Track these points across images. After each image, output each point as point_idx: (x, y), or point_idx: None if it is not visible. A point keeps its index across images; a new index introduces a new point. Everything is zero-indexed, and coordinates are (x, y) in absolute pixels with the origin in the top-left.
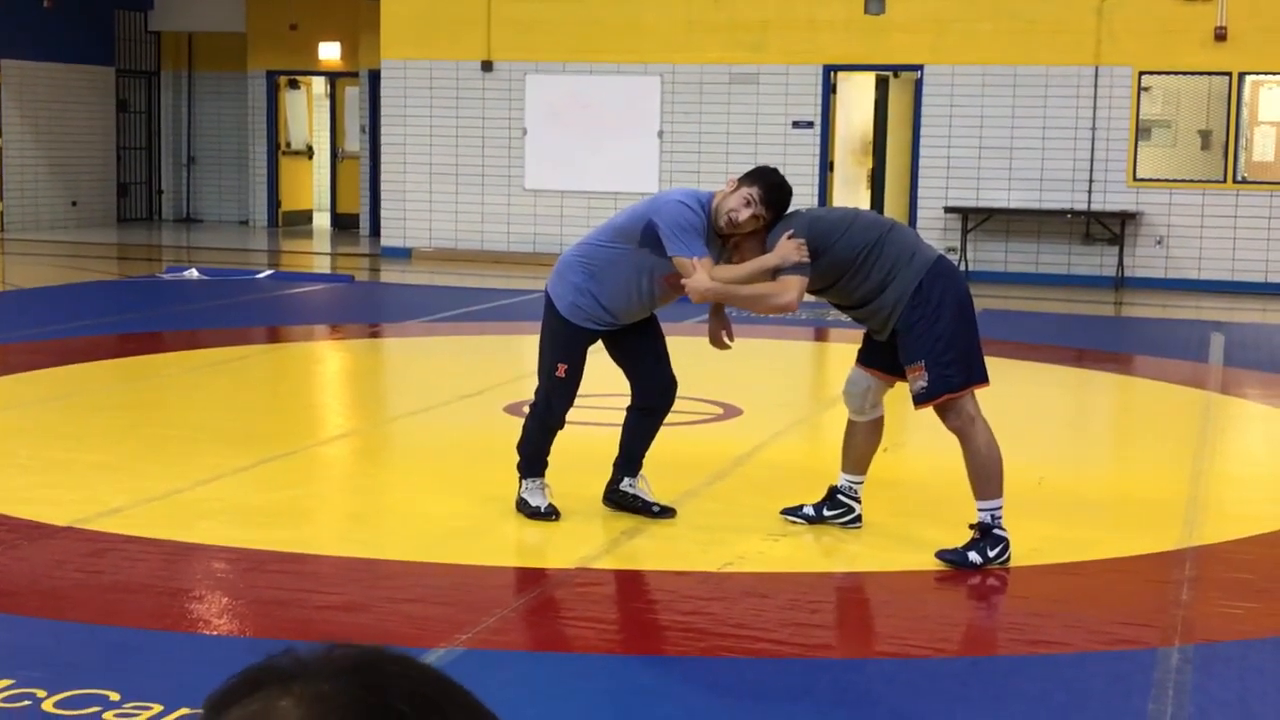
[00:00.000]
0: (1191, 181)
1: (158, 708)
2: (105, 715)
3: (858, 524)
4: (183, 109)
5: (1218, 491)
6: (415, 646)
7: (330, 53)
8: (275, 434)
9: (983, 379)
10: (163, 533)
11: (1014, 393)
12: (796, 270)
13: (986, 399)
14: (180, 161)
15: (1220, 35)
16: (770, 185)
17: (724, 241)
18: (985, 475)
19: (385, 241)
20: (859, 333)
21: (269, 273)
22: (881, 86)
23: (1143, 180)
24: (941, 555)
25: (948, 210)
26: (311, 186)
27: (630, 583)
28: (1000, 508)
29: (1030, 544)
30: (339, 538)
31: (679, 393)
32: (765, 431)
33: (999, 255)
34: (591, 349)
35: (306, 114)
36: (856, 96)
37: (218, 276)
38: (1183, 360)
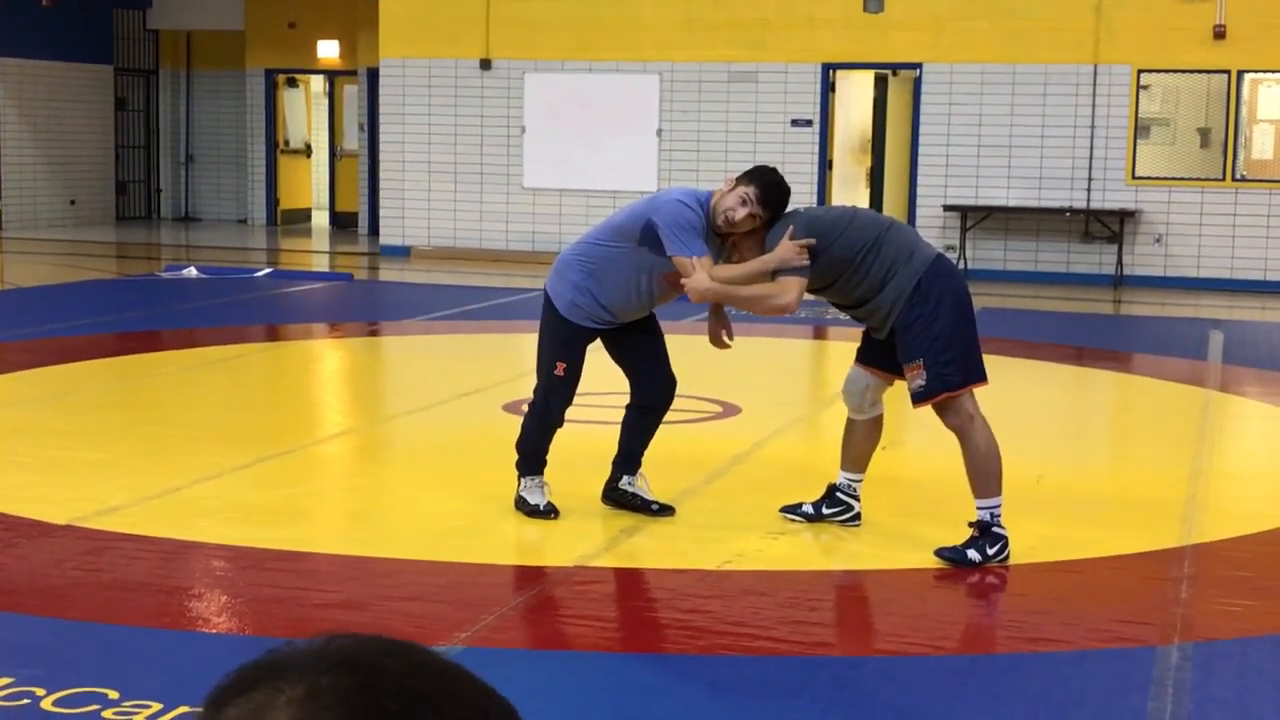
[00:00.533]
0: (1190, 179)
1: (156, 706)
2: (104, 713)
3: (857, 522)
4: (181, 107)
5: (1216, 489)
6: None
7: (329, 51)
8: (274, 432)
9: (981, 378)
10: (161, 531)
11: (1013, 391)
12: (796, 271)
13: (985, 397)
14: (179, 160)
15: (1219, 33)
16: (767, 185)
17: (722, 241)
18: (984, 474)
19: (384, 240)
20: (858, 331)
21: (267, 271)
22: (880, 85)
23: (1141, 178)
24: (940, 553)
25: (946, 209)
26: (310, 185)
27: (629, 581)
28: (999, 506)
29: (1029, 542)
30: (338, 536)
31: (678, 391)
32: (764, 430)
33: (998, 254)
34: (591, 347)
35: (305, 112)
36: (855, 95)
37: (216, 275)
38: (1182, 358)
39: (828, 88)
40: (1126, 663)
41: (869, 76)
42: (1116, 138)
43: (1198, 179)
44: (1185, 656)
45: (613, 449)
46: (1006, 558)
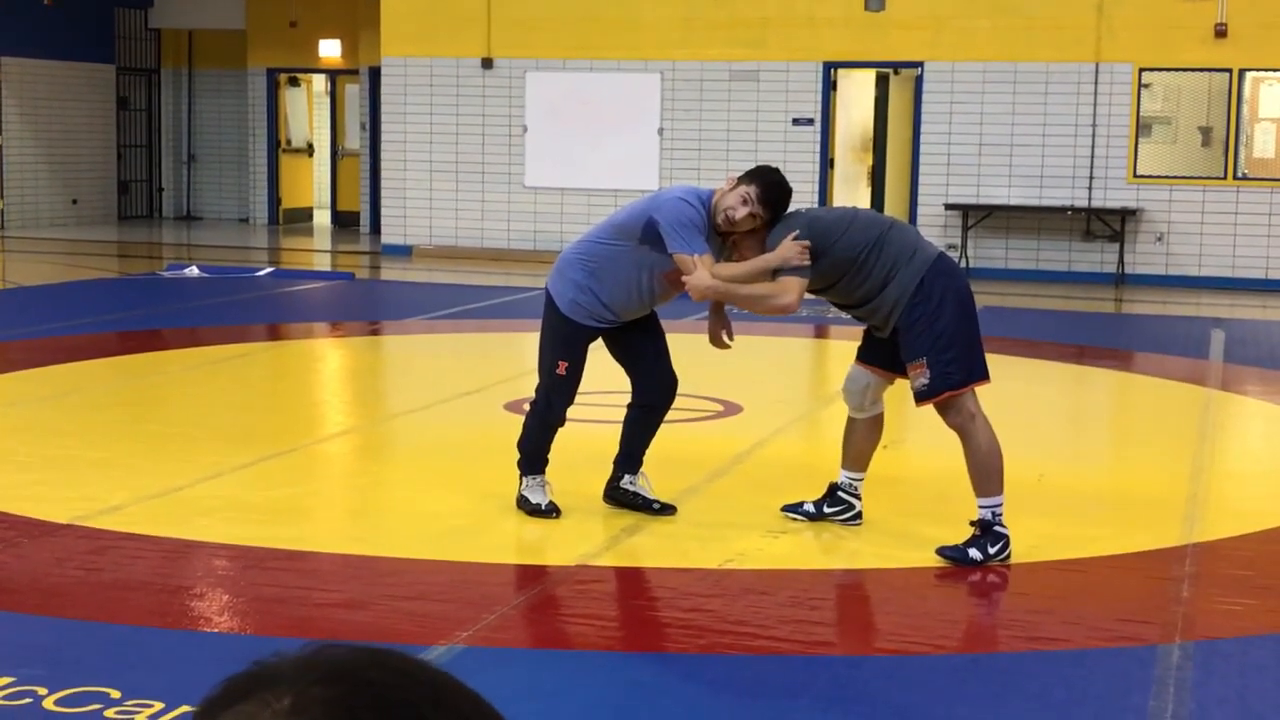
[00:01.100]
0: (1192, 178)
1: (158, 705)
2: (106, 713)
3: (858, 521)
4: (183, 106)
5: (1218, 488)
6: (416, 644)
7: (330, 50)
8: (275, 431)
9: (983, 376)
10: (163, 530)
11: (1014, 389)
12: (796, 272)
13: (986, 396)
14: (180, 159)
15: (1220, 32)
16: (768, 184)
17: (723, 239)
18: (985, 472)
19: (385, 239)
20: (858, 330)
21: (269, 270)
22: (882, 83)
23: (1143, 177)
24: (942, 552)
25: (948, 207)
26: (312, 184)
27: (630, 580)
28: (1001, 505)
29: (1030, 541)
30: (339, 535)
31: (679, 390)
32: (765, 429)
33: (999, 252)
34: (592, 346)
35: (307, 111)
36: (857, 93)
37: (218, 274)
38: (1183, 357)
39: (829, 86)
40: (1128, 661)
41: (870, 75)
42: (1118, 136)
43: (1199, 178)
44: (1186, 655)
45: (614, 448)
46: (1008, 556)
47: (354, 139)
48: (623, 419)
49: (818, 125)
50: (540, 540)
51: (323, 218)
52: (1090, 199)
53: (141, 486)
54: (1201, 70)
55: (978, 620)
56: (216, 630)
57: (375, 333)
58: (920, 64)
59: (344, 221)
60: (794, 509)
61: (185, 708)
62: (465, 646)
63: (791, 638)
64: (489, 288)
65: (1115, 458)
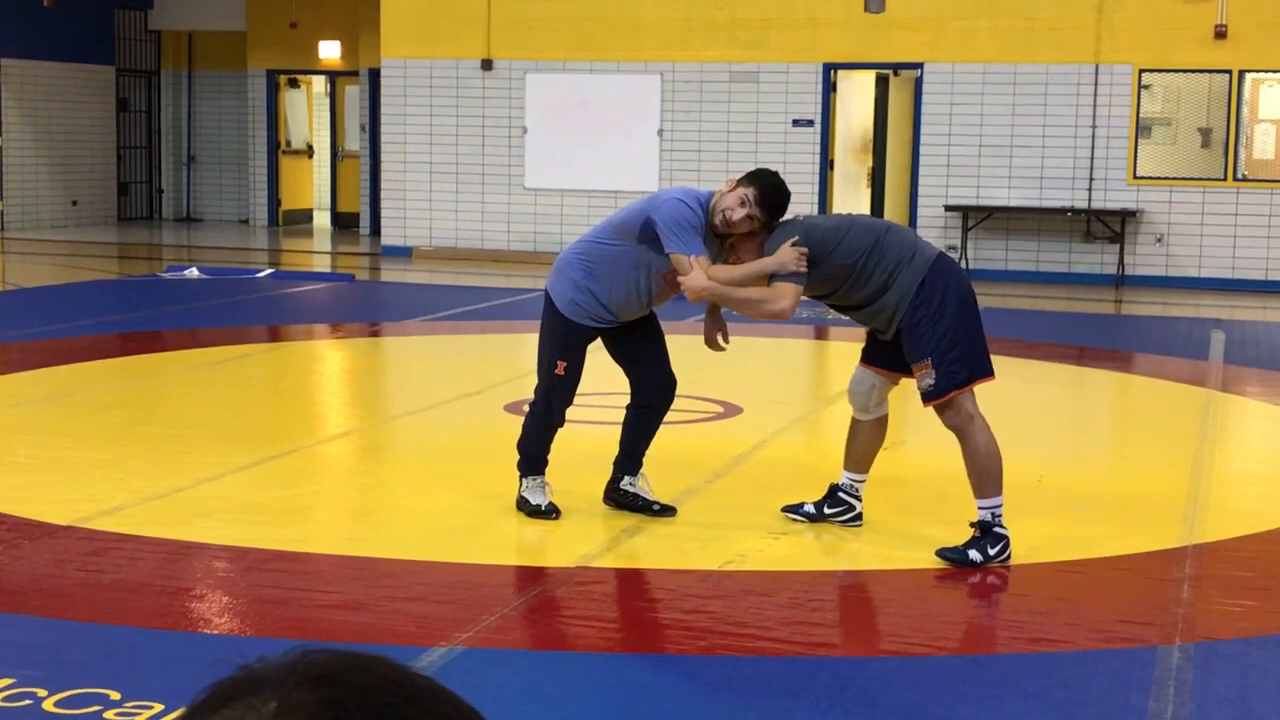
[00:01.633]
0: (1192, 179)
1: (158, 706)
2: (106, 714)
3: (858, 522)
4: (183, 108)
5: (1218, 489)
6: (416, 645)
7: (330, 51)
8: (276, 433)
9: (987, 373)
10: (163, 531)
11: (1014, 391)
12: (793, 278)
13: (986, 396)
14: (180, 161)
15: (1220, 33)
16: (766, 186)
17: (721, 242)
18: (984, 473)
19: (385, 240)
20: (858, 331)
21: (269, 272)
22: (881, 85)
23: (1143, 178)
24: (942, 553)
25: (948, 209)
26: (312, 185)
27: (631, 581)
28: (1000, 506)
29: (1030, 542)
30: (339, 536)
31: (679, 391)
32: (765, 430)
33: (999, 254)
34: (591, 347)
35: (306, 113)
36: (856, 95)
37: (218, 275)
38: (1183, 358)
39: (829, 88)
40: (1128, 663)
41: (870, 76)
42: (1118, 138)
43: (1199, 179)
44: (1187, 656)
45: (614, 449)
46: (1008, 558)
47: (354, 140)
48: (622, 420)
49: (818, 126)
50: (540, 541)
51: (323, 219)
52: (1090, 200)
53: (142, 488)
54: (1201, 71)
55: (978, 621)
56: (216, 632)
57: (375, 334)
58: (920, 65)
59: (344, 223)
60: (794, 510)
61: (183, 710)
62: (465, 648)
63: (792, 639)
64: (489, 289)
65: (1115, 459)
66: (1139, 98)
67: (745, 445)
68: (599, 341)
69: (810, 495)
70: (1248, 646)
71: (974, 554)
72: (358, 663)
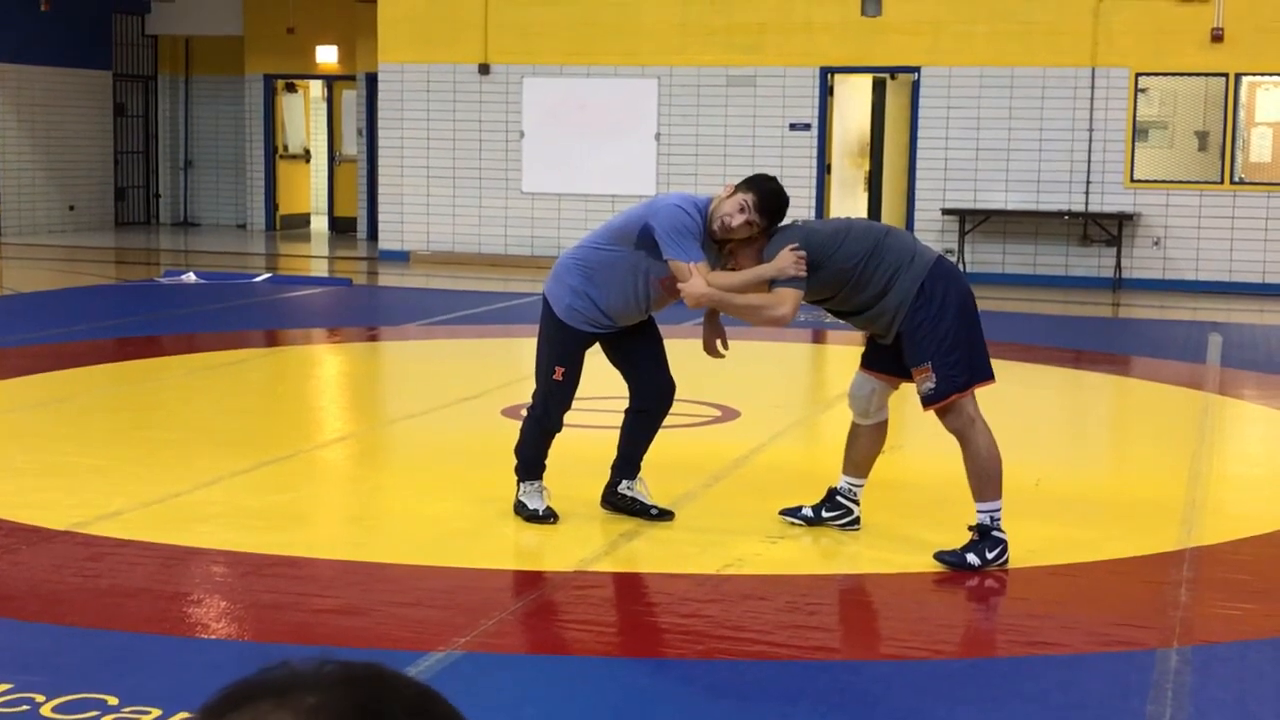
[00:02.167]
0: (1188, 183)
1: (156, 712)
2: (103, 719)
3: (856, 526)
4: (180, 113)
5: (1215, 492)
6: (414, 650)
7: (327, 56)
8: (273, 437)
9: (987, 377)
10: (161, 536)
11: (1012, 394)
12: (792, 283)
13: (984, 399)
14: (177, 165)
15: (1217, 36)
16: (765, 193)
17: (720, 247)
18: (984, 477)
19: (383, 245)
20: (856, 335)
21: (267, 276)
22: (878, 88)
23: (1140, 181)
24: (940, 557)
25: (945, 212)
26: (309, 190)
27: (629, 585)
28: (999, 509)
29: (1028, 545)
30: (337, 541)
31: (677, 395)
32: (763, 434)
33: (996, 257)
34: (590, 351)
35: (304, 117)
36: (853, 98)
37: (215, 280)
38: (1180, 361)
39: (826, 91)
40: (1126, 666)
41: (867, 80)
42: (1114, 141)
43: (1196, 182)
44: (1184, 660)
45: (612, 453)
46: (1006, 561)
47: (351, 145)
48: (620, 424)
49: (815, 130)
50: (538, 546)
51: (320, 224)
52: (1087, 204)
53: (139, 492)
54: (1198, 75)
55: (976, 625)
56: (214, 636)
57: (373, 338)
58: (917, 69)
59: (341, 227)
60: (792, 513)
61: (183, 714)
62: (463, 652)
63: (790, 643)
64: (486, 293)
65: (1113, 462)
66: (1135, 101)
67: (743, 449)
68: (598, 346)
69: (808, 499)
70: (1245, 649)
71: (972, 557)
72: (380, 669)
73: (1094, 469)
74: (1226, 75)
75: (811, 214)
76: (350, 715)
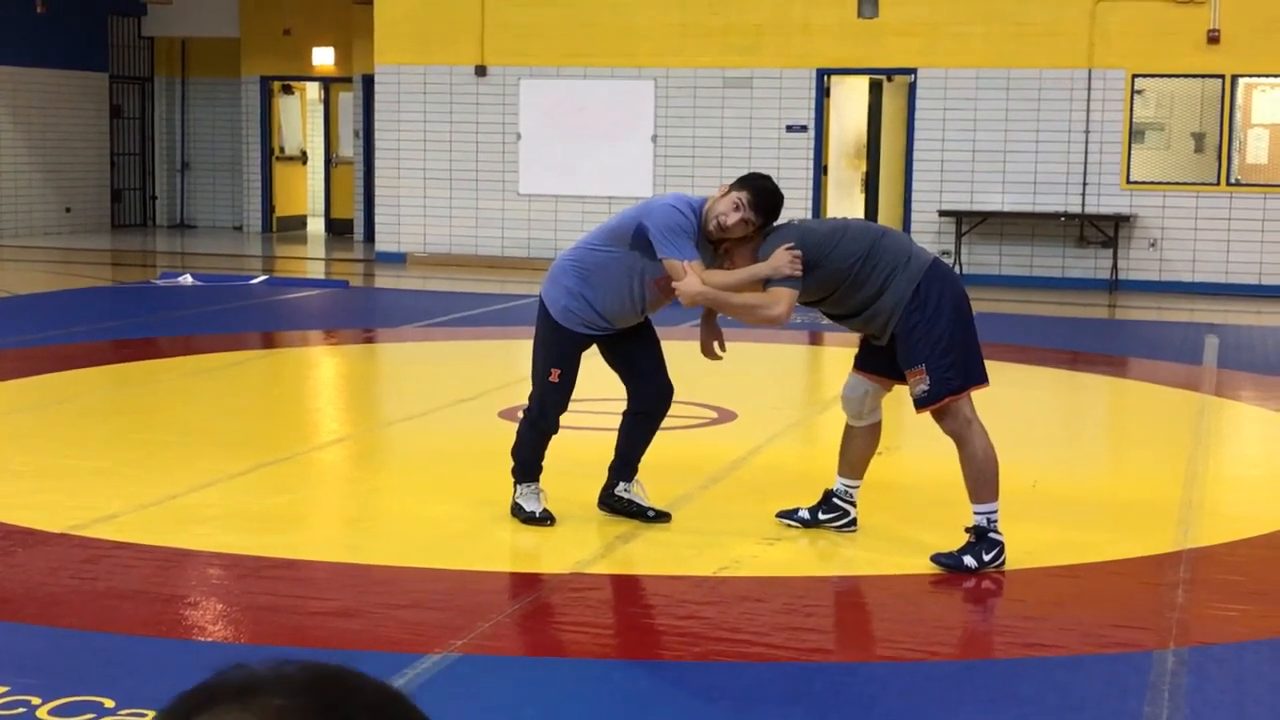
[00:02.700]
0: (1185, 184)
1: (152, 714)
2: None
3: (852, 528)
4: (176, 114)
5: (1212, 494)
6: (410, 652)
7: (324, 58)
8: (270, 439)
9: (981, 380)
10: (157, 539)
11: (1008, 395)
12: (787, 282)
13: (980, 401)
14: (174, 167)
15: (1213, 38)
16: (760, 190)
17: (715, 247)
18: (981, 478)
19: (380, 247)
20: (853, 337)
21: (263, 278)
22: (875, 90)
23: (1136, 183)
24: (937, 559)
25: (942, 214)
26: (305, 192)
27: (625, 587)
28: (996, 511)
29: (1025, 547)
30: (334, 543)
31: (674, 397)
32: (760, 436)
33: (993, 258)
34: (587, 354)
35: (300, 119)
36: (850, 100)
37: (212, 282)
38: (1177, 363)
39: (822, 93)
40: (1123, 667)
41: (864, 82)
42: (1111, 142)
43: (1192, 184)
44: (1181, 661)
45: (609, 455)
46: (1002, 563)
47: (348, 147)
48: (618, 426)
49: (811, 132)
50: (535, 548)
51: (317, 225)
52: (1084, 205)
53: (136, 495)
54: (1194, 76)
55: (973, 626)
56: (211, 639)
57: (369, 340)
58: (913, 70)
59: (338, 229)
60: (789, 515)
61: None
62: (460, 654)
63: (787, 645)
64: (483, 295)
65: (1110, 463)
66: (1132, 103)
67: (740, 451)
68: (594, 348)
69: (805, 501)
70: (1242, 651)
71: (969, 559)
72: (344, 672)
73: (1091, 470)
74: (1223, 77)
75: (808, 215)
76: (314, 717)
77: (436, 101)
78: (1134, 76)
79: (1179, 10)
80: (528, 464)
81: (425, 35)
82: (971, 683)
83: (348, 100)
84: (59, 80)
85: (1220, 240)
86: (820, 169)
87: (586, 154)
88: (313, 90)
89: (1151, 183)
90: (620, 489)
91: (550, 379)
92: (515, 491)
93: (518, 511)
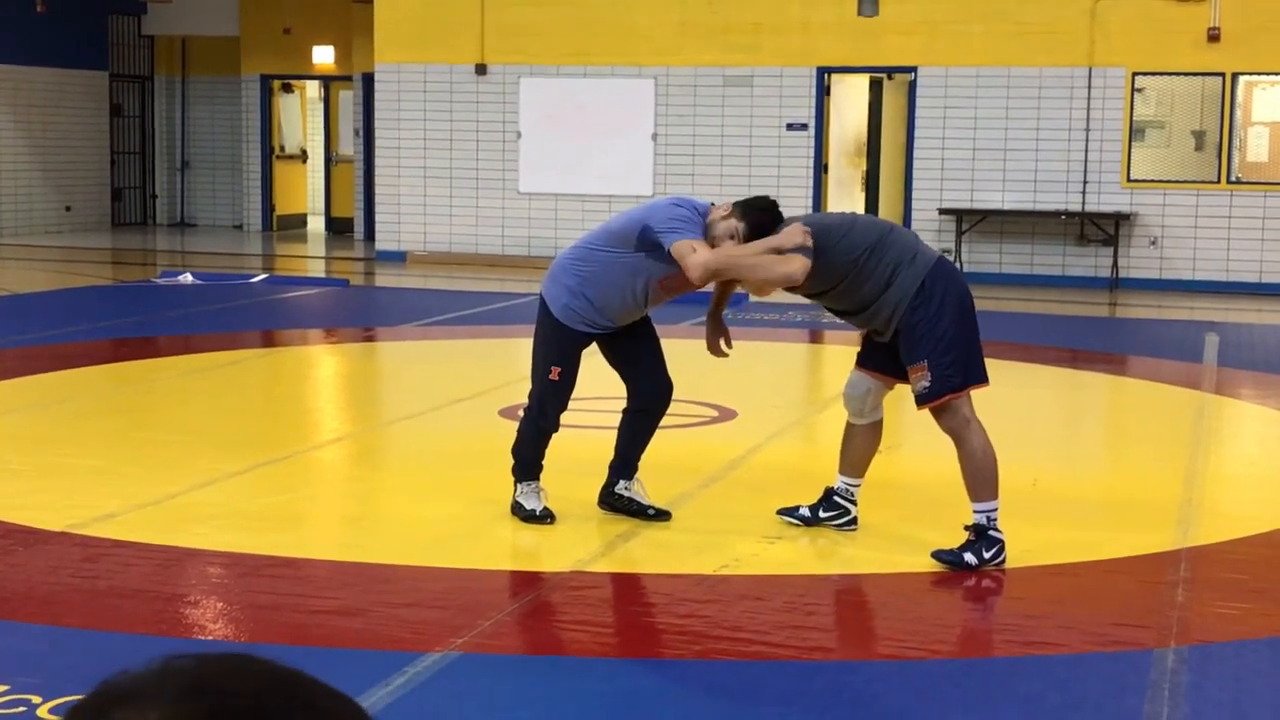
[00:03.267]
0: (1185, 182)
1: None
2: None
3: (853, 526)
4: (176, 113)
5: (1212, 492)
6: (411, 650)
7: (324, 56)
8: (270, 438)
9: (981, 379)
10: (157, 538)
11: (1008, 394)
12: (800, 251)
13: (981, 400)
14: (174, 166)
15: (1213, 36)
16: (756, 225)
17: None
18: (980, 477)
19: (380, 245)
20: (853, 335)
21: (263, 277)
22: (875, 88)
23: (1137, 181)
24: (938, 555)
25: (942, 212)
26: (306, 190)
27: (626, 586)
28: (996, 509)
29: (1025, 545)
30: (334, 541)
31: (674, 396)
32: (760, 434)
33: (993, 256)
34: (587, 351)
35: (300, 118)
36: (850, 98)
37: (212, 281)
38: (1177, 361)
39: (823, 91)
40: (1123, 666)
41: (864, 80)
42: (1111, 141)
43: (1193, 182)
44: (1181, 659)
45: (609, 454)
46: (1003, 561)
47: (348, 145)
48: (618, 424)
49: (812, 130)
50: (535, 546)
51: (317, 224)
52: (1084, 203)
53: (135, 494)
54: (1195, 74)
55: (973, 625)
56: (211, 638)
57: (370, 339)
58: (914, 69)
59: (338, 228)
60: (789, 513)
61: None
62: (460, 653)
63: (787, 643)
64: (483, 294)
65: (1110, 462)
66: (1132, 100)
67: (740, 449)
68: (595, 346)
69: (805, 499)
70: (1242, 649)
71: (969, 557)
72: (231, 666)
73: (1091, 469)
74: (1223, 75)
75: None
76: None
77: (436, 100)
78: (1134, 74)
79: (1179, 8)
80: (528, 462)
81: (425, 34)
82: (972, 681)
83: (348, 99)
84: (59, 79)
85: (1220, 238)
86: (820, 167)
87: (586, 153)
88: (313, 89)
89: (1152, 181)
90: (620, 487)
91: (551, 377)
92: (515, 490)
93: (518, 510)
